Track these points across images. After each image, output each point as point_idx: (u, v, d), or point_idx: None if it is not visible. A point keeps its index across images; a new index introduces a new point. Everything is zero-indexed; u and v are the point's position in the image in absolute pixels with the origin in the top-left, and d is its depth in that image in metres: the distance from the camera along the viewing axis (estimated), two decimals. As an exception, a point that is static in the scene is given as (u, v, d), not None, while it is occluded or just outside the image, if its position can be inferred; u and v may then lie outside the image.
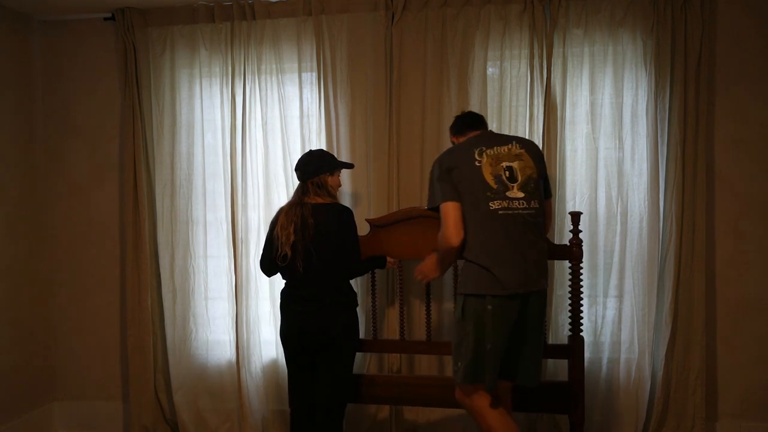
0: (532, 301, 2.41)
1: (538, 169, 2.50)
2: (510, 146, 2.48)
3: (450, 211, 2.41)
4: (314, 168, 2.79)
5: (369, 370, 3.30)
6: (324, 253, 2.69)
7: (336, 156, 3.21)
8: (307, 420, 2.82)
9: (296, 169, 2.85)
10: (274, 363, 3.38)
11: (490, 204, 2.37)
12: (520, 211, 2.39)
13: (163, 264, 3.45)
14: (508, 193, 2.39)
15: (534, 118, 3.13)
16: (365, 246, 2.99)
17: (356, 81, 3.26)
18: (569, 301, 2.89)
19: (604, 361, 3.18)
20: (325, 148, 3.28)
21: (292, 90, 3.37)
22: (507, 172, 2.42)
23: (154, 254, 3.47)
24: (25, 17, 3.53)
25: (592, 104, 3.15)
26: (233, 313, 3.38)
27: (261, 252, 2.89)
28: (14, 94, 3.46)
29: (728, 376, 3.16)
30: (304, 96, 3.33)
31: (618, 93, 3.12)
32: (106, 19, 3.50)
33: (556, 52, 3.10)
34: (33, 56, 3.60)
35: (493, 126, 3.18)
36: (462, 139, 2.65)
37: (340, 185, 2.93)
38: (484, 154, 2.44)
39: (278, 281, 3.27)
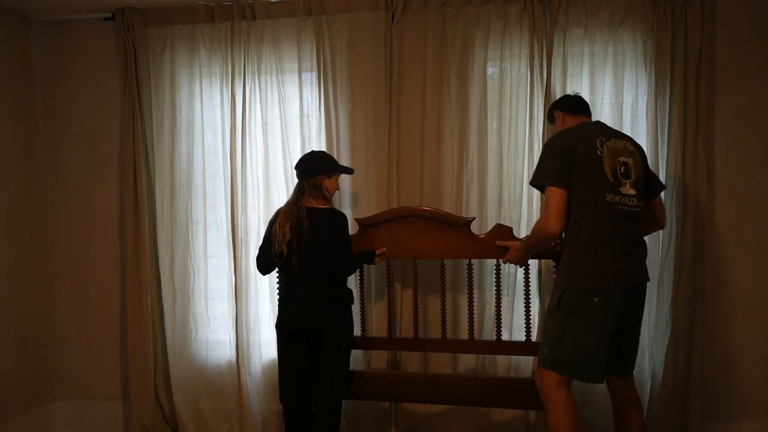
0: (637, 295, 2.45)
1: (645, 171, 2.53)
2: (625, 142, 2.48)
3: (555, 197, 2.35)
4: (312, 168, 2.81)
5: (369, 365, 3.31)
6: (317, 255, 2.72)
7: (336, 156, 3.24)
8: (304, 417, 2.83)
9: (295, 167, 2.87)
10: (274, 363, 3.38)
11: (606, 196, 2.35)
12: (630, 208, 2.39)
13: (163, 264, 3.45)
14: (621, 189, 2.38)
15: (534, 118, 3.13)
16: (355, 245, 3.01)
17: (356, 81, 3.26)
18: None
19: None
20: (325, 148, 3.28)
21: (292, 90, 3.37)
22: (623, 168, 2.41)
23: (154, 254, 3.47)
24: (25, 17, 3.53)
25: (592, 104, 3.14)
26: (233, 313, 3.38)
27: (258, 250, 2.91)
28: (14, 94, 3.46)
29: (728, 376, 3.16)
30: (304, 96, 3.33)
31: (618, 93, 3.12)
32: (106, 19, 3.50)
33: (556, 52, 3.10)
34: (33, 56, 3.60)
35: (492, 126, 3.19)
36: (573, 120, 2.62)
37: (337, 188, 2.93)
38: (604, 145, 2.40)
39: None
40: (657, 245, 3.08)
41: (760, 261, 3.13)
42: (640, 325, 2.55)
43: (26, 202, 3.54)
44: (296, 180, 3.34)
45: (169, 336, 3.47)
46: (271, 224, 2.82)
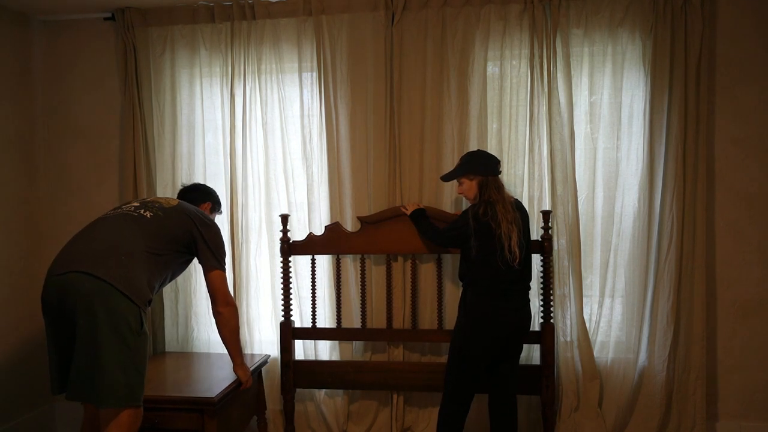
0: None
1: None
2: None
3: None
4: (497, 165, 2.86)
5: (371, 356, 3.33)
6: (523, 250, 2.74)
7: (336, 156, 3.29)
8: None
9: (498, 163, 2.85)
10: (274, 363, 3.38)
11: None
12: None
13: (163, 264, 3.45)
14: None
15: (534, 118, 3.13)
16: (357, 241, 3.16)
17: (356, 81, 3.26)
18: (541, 293, 3.05)
19: (607, 361, 3.20)
20: (325, 148, 3.30)
21: (292, 90, 3.37)
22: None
23: (155, 254, 3.47)
24: (25, 17, 3.53)
25: (592, 104, 3.16)
26: (233, 312, 3.38)
27: (478, 255, 2.69)
28: (14, 94, 3.46)
29: (728, 376, 3.16)
30: (304, 96, 3.33)
31: (617, 93, 3.13)
32: (106, 19, 3.50)
33: (557, 51, 3.10)
34: (33, 56, 3.60)
35: (493, 126, 3.20)
36: None
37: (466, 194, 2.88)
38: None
39: (278, 281, 3.29)
40: (657, 245, 3.08)
41: (760, 261, 3.13)
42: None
43: (26, 202, 3.54)
44: (296, 180, 3.36)
45: (170, 335, 3.47)
46: (488, 224, 2.66)
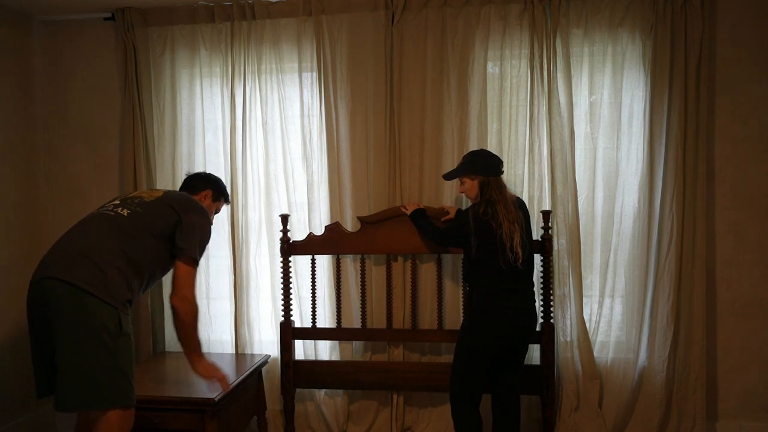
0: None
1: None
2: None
3: None
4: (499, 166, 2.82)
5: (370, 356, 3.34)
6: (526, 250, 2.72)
7: (336, 156, 3.29)
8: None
9: (501, 163, 2.81)
10: (274, 363, 3.38)
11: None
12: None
13: (163, 264, 3.45)
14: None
15: (534, 118, 3.14)
16: (357, 241, 3.17)
17: (356, 81, 3.26)
18: (541, 293, 3.04)
19: (607, 361, 3.20)
20: (325, 148, 3.30)
21: (292, 90, 3.37)
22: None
23: (155, 254, 3.47)
24: (25, 17, 3.53)
25: (592, 104, 3.16)
26: (233, 312, 3.38)
27: (479, 255, 2.67)
28: (14, 95, 3.46)
29: (728, 376, 3.17)
30: (305, 96, 3.33)
31: (617, 93, 3.13)
32: (106, 19, 3.50)
33: (557, 51, 3.10)
34: (33, 56, 3.60)
35: (493, 126, 3.20)
36: None
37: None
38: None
39: (278, 281, 3.29)
40: (657, 245, 3.08)
41: (760, 261, 3.13)
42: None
43: (26, 203, 3.54)
44: (296, 180, 3.35)
45: (170, 335, 3.47)
46: (488, 224, 2.64)
